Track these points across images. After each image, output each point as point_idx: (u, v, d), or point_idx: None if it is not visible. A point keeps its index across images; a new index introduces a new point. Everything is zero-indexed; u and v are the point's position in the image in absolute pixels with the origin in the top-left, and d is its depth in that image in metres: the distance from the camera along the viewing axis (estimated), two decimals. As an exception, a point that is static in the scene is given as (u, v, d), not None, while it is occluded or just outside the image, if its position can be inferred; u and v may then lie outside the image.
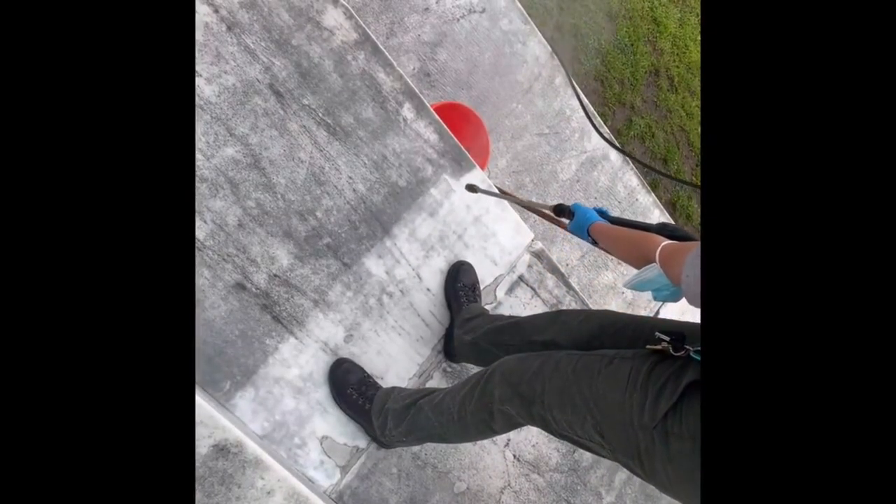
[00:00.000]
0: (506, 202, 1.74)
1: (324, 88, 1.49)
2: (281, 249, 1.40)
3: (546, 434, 1.55)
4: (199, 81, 1.34)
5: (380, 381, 1.46)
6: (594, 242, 1.15)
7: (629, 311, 1.97)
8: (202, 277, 1.30)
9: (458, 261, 1.62)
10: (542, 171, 2.51)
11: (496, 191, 1.59)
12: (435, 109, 1.72)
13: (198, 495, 1.00)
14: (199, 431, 1.02)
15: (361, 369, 1.43)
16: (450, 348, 1.55)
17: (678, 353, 0.86)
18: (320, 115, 1.48)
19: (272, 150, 1.41)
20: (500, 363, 1.11)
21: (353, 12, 1.56)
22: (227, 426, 1.05)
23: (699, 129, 3.01)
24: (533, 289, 1.76)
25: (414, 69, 2.24)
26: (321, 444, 1.38)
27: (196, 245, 1.30)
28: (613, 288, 2.66)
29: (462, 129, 1.98)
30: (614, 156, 2.72)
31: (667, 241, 0.91)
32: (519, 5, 2.50)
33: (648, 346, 0.91)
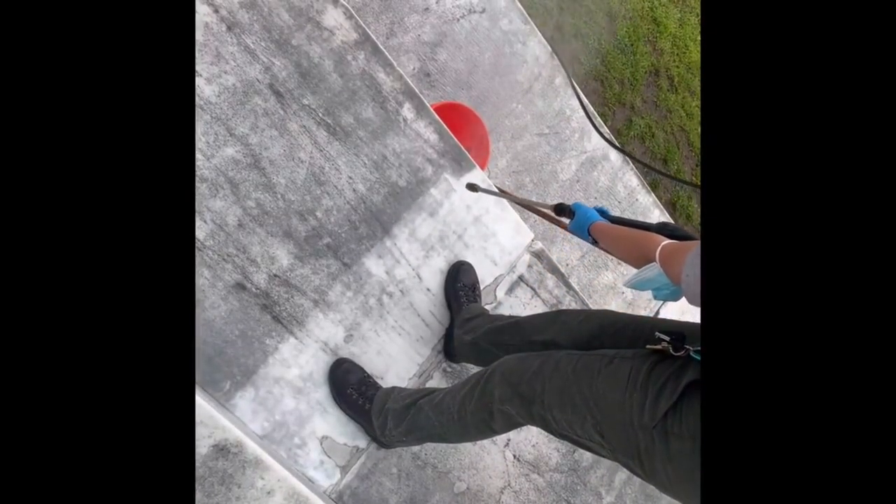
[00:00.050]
0: (506, 202, 1.74)
1: (324, 88, 1.49)
2: (281, 249, 1.40)
3: (546, 434, 1.56)
4: (199, 81, 1.34)
5: (380, 381, 1.46)
6: (594, 242, 1.15)
7: (629, 311, 1.97)
8: (202, 277, 1.30)
9: (458, 261, 1.62)
10: (542, 171, 2.51)
11: (496, 190, 1.59)
12: (435, 109, 1.72)
13: (198, 495, 1.00)
14: (199, 431, 1.02)
15: (361, 369, 1.43)
16: (450, 348, 1.55)
17: (678, 353, 0.86)
18: (320, 115, 1.48)
19: (272, 150, 1.41)
20: (500, 363, 1.11)
21: (353, 12, 1.56)
22: (227, 426, 1.05)
23: (699, 129, 3.01)
24: (533, 289, 1.76)
25: (414, 69, 2.24)
26: (321, 444, 1.38)
27: (196, 245, 1.30)
28: (613, 288, 2.66)
29: (462, 129, 1.98)
30: (614, 156, 2.72)
31: (667, 241, 0.92)
32: (519, 5, 2.50)
33: (648, 346, 0.91)
